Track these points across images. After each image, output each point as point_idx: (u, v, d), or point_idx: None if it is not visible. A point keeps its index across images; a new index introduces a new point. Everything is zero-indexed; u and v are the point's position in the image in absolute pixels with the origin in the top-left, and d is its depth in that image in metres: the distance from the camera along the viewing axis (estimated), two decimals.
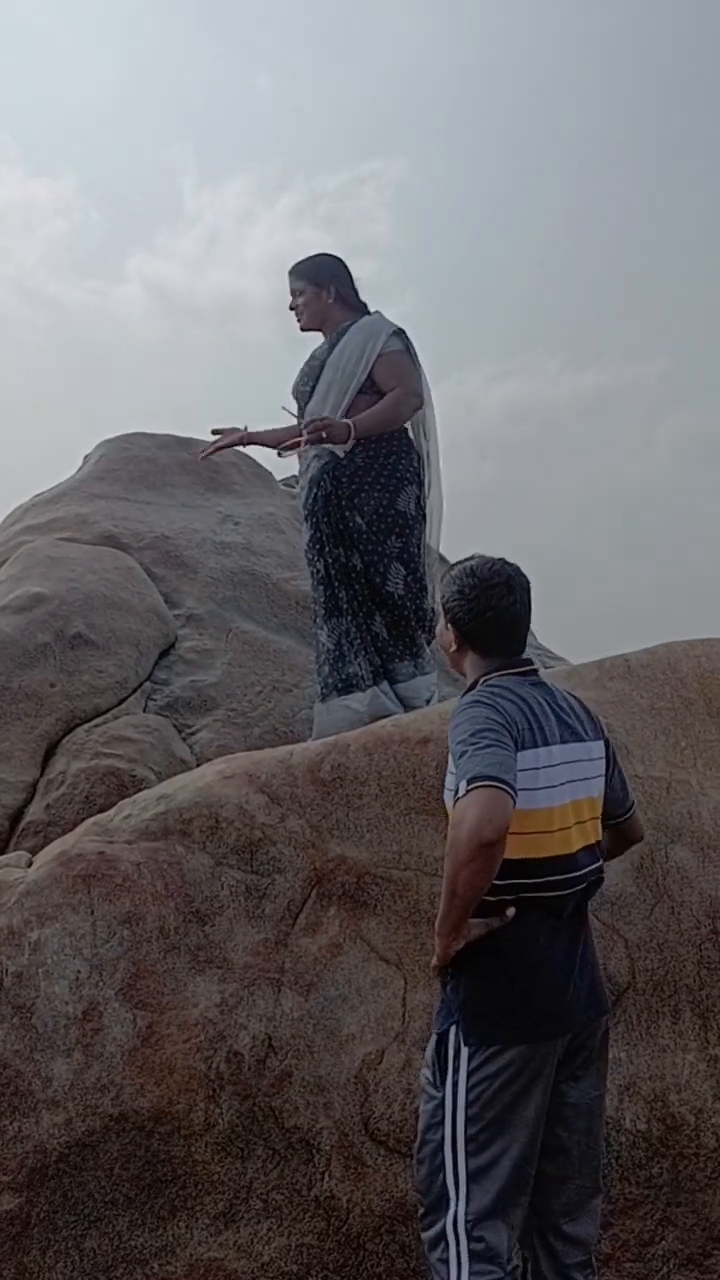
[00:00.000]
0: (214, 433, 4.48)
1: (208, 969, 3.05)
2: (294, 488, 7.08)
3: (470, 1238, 2.20)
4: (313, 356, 4.37)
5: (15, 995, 2.97)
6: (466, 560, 2.53)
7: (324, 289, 4.37)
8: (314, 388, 4.29)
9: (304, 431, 4.07)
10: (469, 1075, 2.26)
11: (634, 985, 3.16)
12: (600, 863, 2.48)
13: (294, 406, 4.42)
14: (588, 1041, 2.42)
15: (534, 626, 6.87)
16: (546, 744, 2.36)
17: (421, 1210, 2.31)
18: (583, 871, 2.39)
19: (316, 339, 4.45)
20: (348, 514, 4.20)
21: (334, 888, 3.18)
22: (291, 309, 4.41)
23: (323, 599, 4.22)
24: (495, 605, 2.46)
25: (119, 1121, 2.87)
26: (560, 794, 2.36)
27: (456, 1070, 2.27)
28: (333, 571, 4.20)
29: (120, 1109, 2.88)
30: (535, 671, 2.53)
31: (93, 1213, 2.85)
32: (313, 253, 4.42)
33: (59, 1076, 2.89)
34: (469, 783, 2.18)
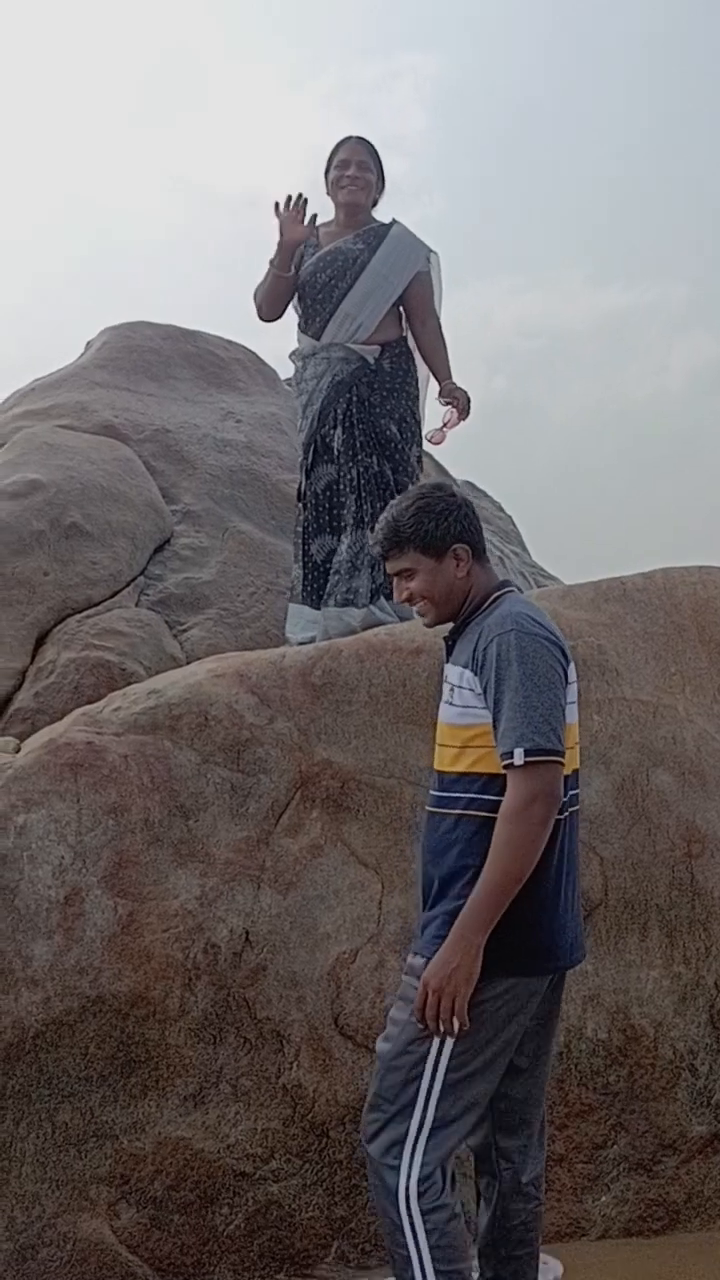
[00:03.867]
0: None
1: (189, 862, 3.10)
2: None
3: (427, 1147, 2.21)
4: (336, 249, 4.18)
5: None
6: (417, 493, 2.45)
7: (379, 182, 4.27)
8: (348, 286, 4.13)
9: (456, 411, 4.10)
10: None
11: (606, 902, 3.23)
12: (577, 791, 2.44)
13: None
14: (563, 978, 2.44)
15: (529, 544, 6.90)
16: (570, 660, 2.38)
17: (376, 1117, 2.29)
18: (570, 795, 2.35)
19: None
20: (382, 422, 4.15)
21: (318, 791, 3.22)
22: (352, 180, 4.16)
23: (352, 507, 4.14)
24: (476, 519, 2.45)
25: (96, 1003, 2.95)
26: (571, 712, 2.36)
27: None
28: (363, 481, 4.14)
29: (98, 991, 2.95)
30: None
31: (66, 1088, 2.94)
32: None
33: (39, 957, 2.95)
34: (534, 753, 2.16)
